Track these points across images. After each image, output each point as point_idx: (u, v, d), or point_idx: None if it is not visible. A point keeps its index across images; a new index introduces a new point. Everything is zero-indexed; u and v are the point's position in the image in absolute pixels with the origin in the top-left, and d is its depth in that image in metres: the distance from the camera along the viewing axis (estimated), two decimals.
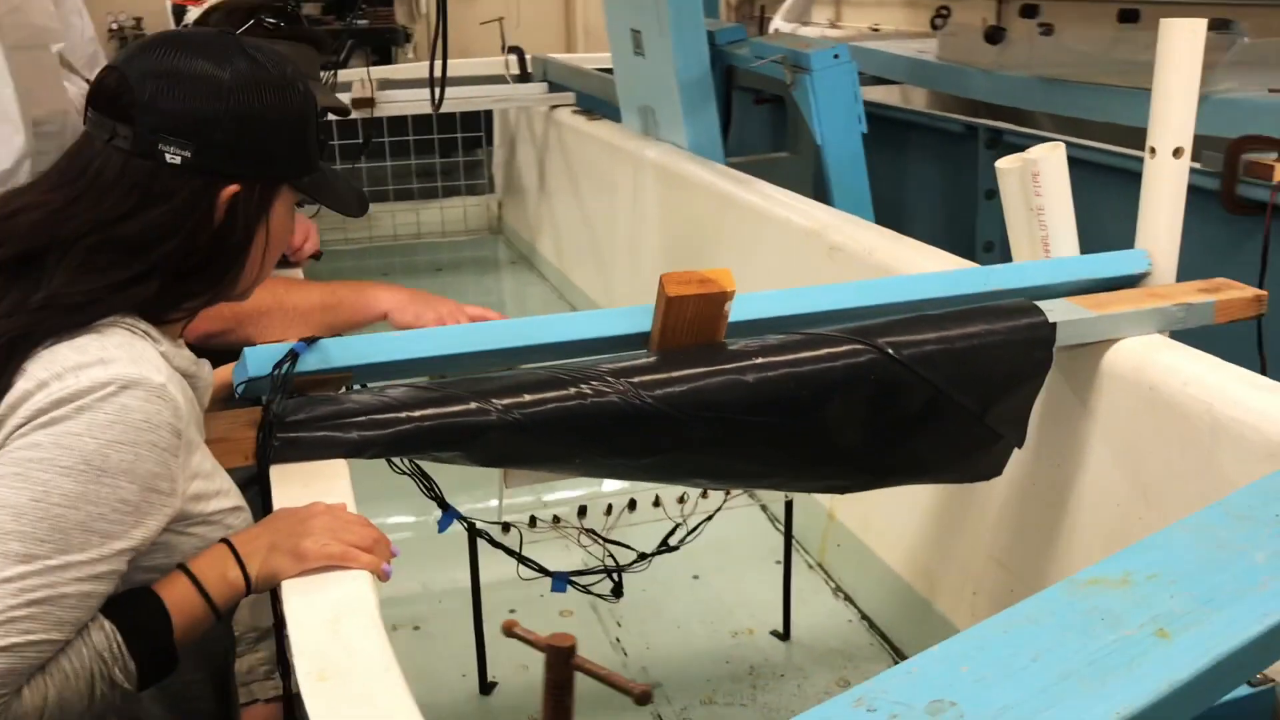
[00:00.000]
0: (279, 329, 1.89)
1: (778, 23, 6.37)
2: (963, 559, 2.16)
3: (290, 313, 1.93)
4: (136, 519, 1.11)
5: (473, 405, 1.48)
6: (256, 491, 1.41)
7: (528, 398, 1.50)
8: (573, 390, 1.52)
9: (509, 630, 1.68)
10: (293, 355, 1.53)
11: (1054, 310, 1.73)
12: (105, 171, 1.18)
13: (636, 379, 1.55)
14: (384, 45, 8.34)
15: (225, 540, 1.22)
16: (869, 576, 2.47)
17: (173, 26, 8.06)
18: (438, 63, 2.94)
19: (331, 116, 4.51)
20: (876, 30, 6.55)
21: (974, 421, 1.71)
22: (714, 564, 2.61)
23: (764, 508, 2.85)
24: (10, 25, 5.63)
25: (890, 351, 1.64)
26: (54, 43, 6.00)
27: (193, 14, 7.78)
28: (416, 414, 1.46)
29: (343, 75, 4.77)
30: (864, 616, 2.44)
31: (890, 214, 4.28)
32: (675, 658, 2.34)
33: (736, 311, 1.67)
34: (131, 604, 1.14)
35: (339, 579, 1.15)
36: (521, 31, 7.10)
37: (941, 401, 1.68)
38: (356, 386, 1.64)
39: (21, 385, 1.10)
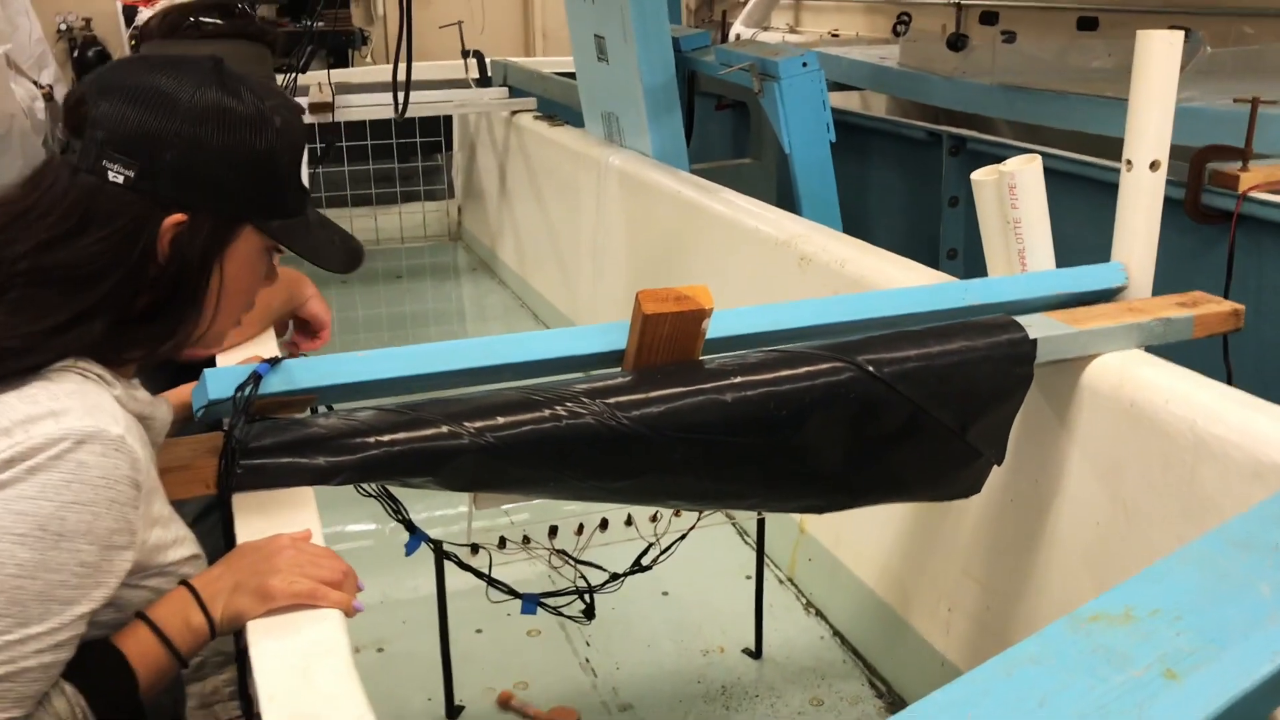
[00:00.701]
0: None
1: (738, 28, 6.35)
2: (937, 574, 2.14)
3: None
4: (96, 580, 1.05)
5: (444, 429, 1.43)
6: (217, 519, 1.35)
7: (501, 420, 1.45)
8: (547, 412, 1.47)
9: (505, 703, 1.62)
10: (255, 377, 1.47)
11: (1033, 326, 1.71)
12: (54, 188, 1.11)
13: (612, 400, 1.50)
14: (341, 48, 8.22)
15: (185, 583, 1.15)
16: (841, 591, 2.44)
17: (123, 27, 7.90)
18: (401, 68, 2.86)
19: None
20: (836, 36, 6.55)
21: (954, 439, 1.69)
22: (683, 580, 2.57)
23: (733, 521, 2.81)
24: None
25: (870, 369, 1.61)
26: (0, 44, 5.83)
27: (143, 15, 7.63)
28: (385, 438, 1.41)
29: (300, 79, 4.69)
30: (836, 633, 2.41)
31: (854, 221, 4.26)
32: (646, 678, 2.30)
33: (714, 328, 1.63)
34: (93, 663, 1.07)
35: (308, 619, 1.10)
36: (480, 35, 7.04)
37: (922, 419, 1.65)
38: (322, 409, 1.59)
39: None
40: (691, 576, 2.60)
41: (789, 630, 2.44)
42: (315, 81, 4.74)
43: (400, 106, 3.01)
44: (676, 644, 2.40)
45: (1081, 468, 1.76)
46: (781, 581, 2.61)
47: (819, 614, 2.49)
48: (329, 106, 4.45)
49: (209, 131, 1.13)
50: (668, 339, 1.58)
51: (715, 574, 2.62)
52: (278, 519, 1.30)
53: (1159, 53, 1.76)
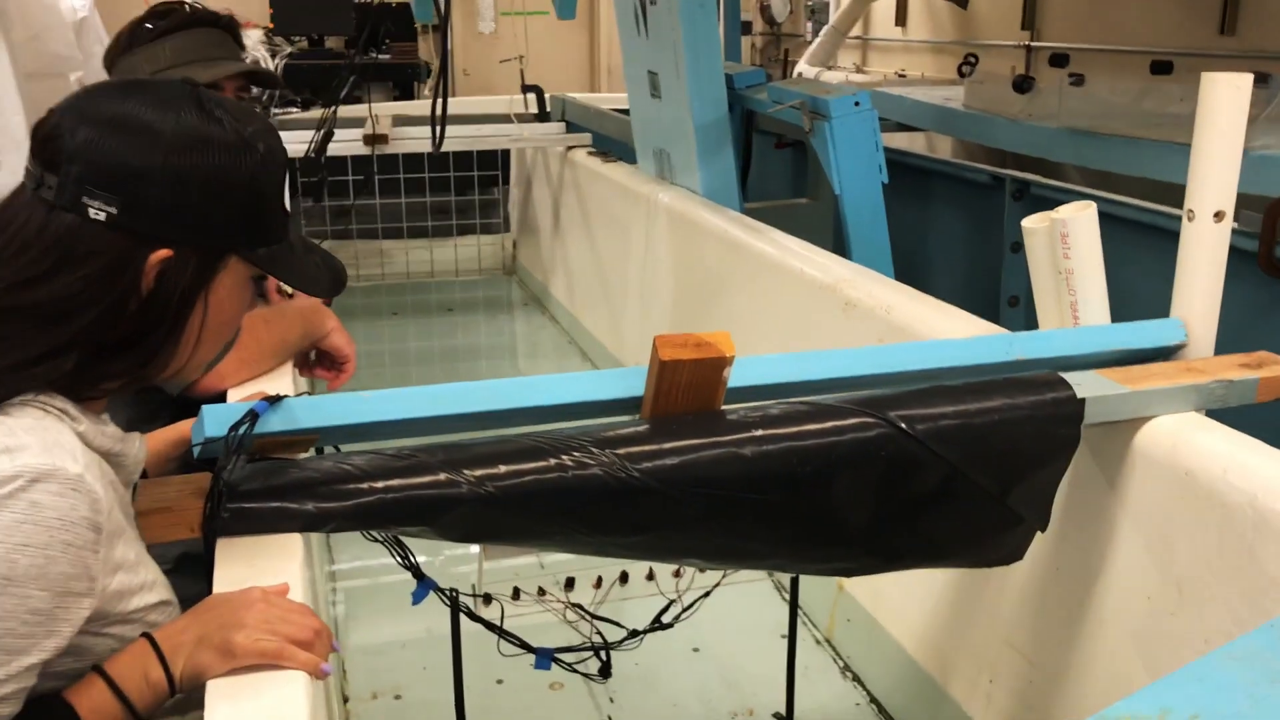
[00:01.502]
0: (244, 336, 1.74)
1: (801, 67, 6.28)
2: (979, 643, 2.01)
3: (256, 320, 1.80)
4: (49, 628, 0.99)
5: (442, 476, 1.36)
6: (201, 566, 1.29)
7: (503, 469, 1.38)
8: (553, 461, 1.39)
9: None
10: (252, 415, 1.41)
11: (1082, 384, 1.60)
12: (28, 225, 1.05)
13: (623, 450, 1.42)
14: (406, 80, 8.30)
15: (147, 635, 1.07)
16: (879, 655, 2.32)
17: None
18: (439, 102, 2.83)
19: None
20: (903, 76, 6.45)
21: (993, 503, 1.57)
22: (716, 636, 2.47)
23: (770, 576, 2.70)
24: (28, 53, 5.58)
25: (903, 425, 1.50)
26: (73, 71, 5.95)
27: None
28: (380, 485, 1.34)
29: (360, 111, 4.70)
30: (873, 700, 2.29)
31: (912, 265, 4.16)
32: None
33: (737, 376, 1.54)
34: (41, 719, 1.00)
35: (271, 681, 1.02)
36: (545, 70, 7.06)
37: (958, 481, 1.54)
38: (329, 449, 1.53)
39: None
40: (724, 633, 2.50)
41: (823, 695, 2.32)
42: (372, 113, 4.76)
43: (437, 141, 2.97)
44: (704, 705, 2.30)
45: (1132, 539, 1.64)
46: (819, 642, 2.50)
47: (856, 679, 2.37)
48: (384, 139, 4.45)
49: (192, 163, 1.08)
50: (686, 387, 1.50)
51: (749, 631, 2.51)
52: (259, 567, 1.23)
53: (1225, 97, 1.65)
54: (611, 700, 2.30)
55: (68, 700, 1.03)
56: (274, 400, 1.45)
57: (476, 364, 4.94)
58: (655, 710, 2.27)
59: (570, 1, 4.69)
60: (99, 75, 6.70)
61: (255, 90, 2.20)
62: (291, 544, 1.28)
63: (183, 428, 1.51)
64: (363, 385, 4.73)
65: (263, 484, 1.32)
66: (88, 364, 1.07)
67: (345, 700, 2.34)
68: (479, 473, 1.37)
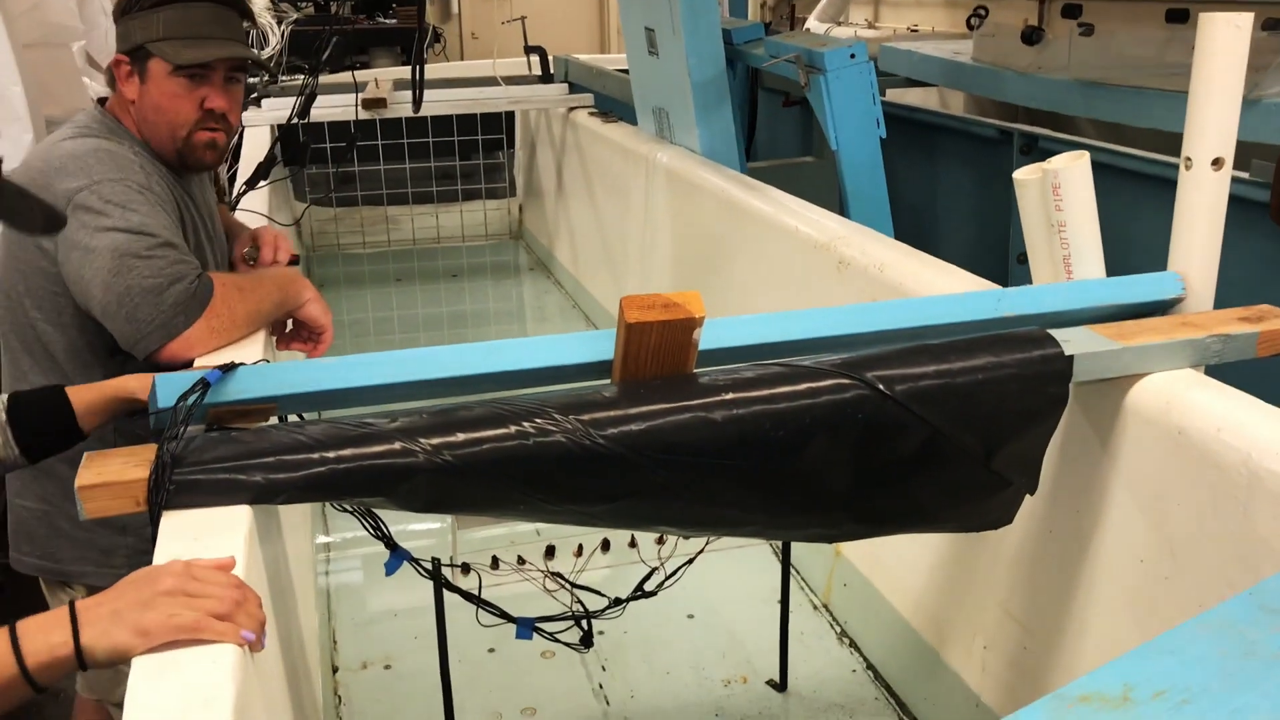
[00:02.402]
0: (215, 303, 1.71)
1: (811, 23, 6.16)
2: (974, 609, 1.96)
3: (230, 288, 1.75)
4: None
5: (397, 445, 1.31)
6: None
7: (460, 437, 1.33)
8: (513, 429, 1.34)
9: None
10: (203, 384, 1.37)
11: (1072, 340, 1.53)
12: None
13: (587, 416, 1.37)
14: (412, 45, 8.22)
15: (72, 602, 1.03)
16: (876, 621, 2.27)
17: None
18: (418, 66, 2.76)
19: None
20: (915, 31, 6.31)
21: (979, 466, 1.52)
22: (710, 602, 2.43)
23: (768, 541, 2.65)
24: (27, 23, 5.53)
25: (881, 387, 1.44)
26: (74, 40, 5.89)
27: None
28: (331, 455, 1.29)
29: (361, 75, 4.63)
30: (869, 666, 2.24)
31: (920, 222, 4.07)
32: (661, 709, 2.16)
33: (710, 338, 1.48)
34: None
35: (191, 657, 0.98)
36: (554, 31, 6.96)
37: (941, 443, 1.48)
38: (293, 419, 1.48)
39: None
40: (719, 599, 2.46)
41: (819, 661, 2.28)
42: (372, 77, 4.69)
43: (416, 104, 2.89)
44: (697, 672, 2.26)
45: (1125, 500, 1.58)
46: (816, 608, 2.45)
47: (852, 644, 2.32)
48: (382, 103, 4.39)
49: None
50: (655, 350, 1.44)
51: (745, 597, 2.47)
52: (207, 543, 1.19)
53: (1223, 37, 1.57)
54: (604, 668, 2.26)
55: None
56: (227, 369, 1.41)
57: (484, 329, 4.89)
58: (648, 678, 2.24)
59: None
60: (103, 44, 6.66)
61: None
62: (237, 518, 1.23)
63: (121, 383, 1.46)
64: (369, 352, 4.67)
65: (210, 455, 1.28)
66: None
67: (335, 670, 2.32)
68: (435, 441, 1.32)
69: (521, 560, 1.83)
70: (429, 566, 1.79)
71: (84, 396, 1.39)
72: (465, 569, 1.82)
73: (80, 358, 1.74)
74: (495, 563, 1.83)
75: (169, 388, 1.37)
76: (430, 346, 1.50)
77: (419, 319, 5.07)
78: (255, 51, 2.00)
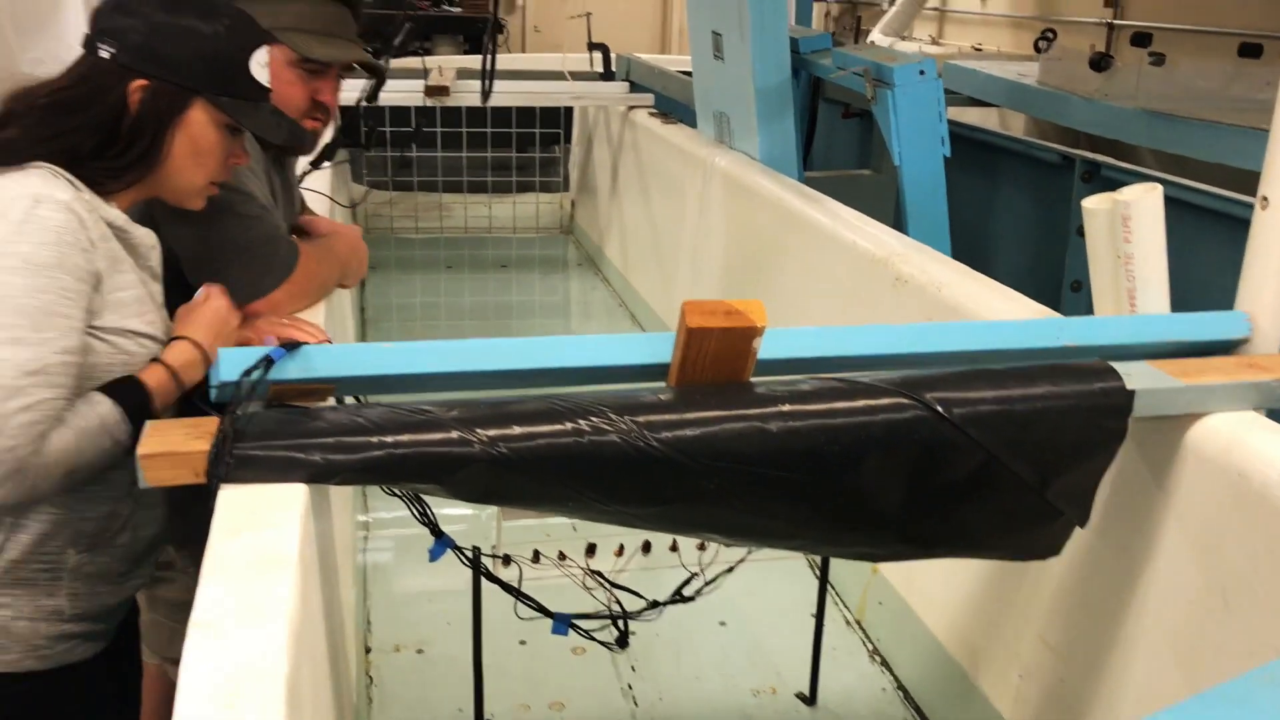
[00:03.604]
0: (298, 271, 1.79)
1: (875, 36, 6.14)
2: (1011, 636, 1.95)
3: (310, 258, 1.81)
4: (78, 300, 1.33)
5: (454, 434, 1.32)
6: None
7: (516, 430, 1.33)
8: (569, 425, 1.35)
9: None
10: (267, 361, 1.38)
11: (1133, 375, 1.52)
12: (72, 64, 1.45)
13: (642, 418, 1.37)
14: (477, 34, 8.26)
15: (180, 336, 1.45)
16: (909, 641, 2.26)
17: None
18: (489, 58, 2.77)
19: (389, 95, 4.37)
20: (979, 50, 6.28)
21: (1032, 495, 1.50)
22: (744, 610, 2.43)
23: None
24: None
25: (939, 409, 1.44)
26: None
27: None
28: (389, 439, 1.30)
29: (428, 63, 4.66)
30: (899, 686, 2.23)
31: (975, 242, 4.05)
32: (688, 713, 2.16)
33: (769, 348, 1.48)
34: (126, 390, 1.38)
35: (244, 632, 0.99)
36: (617, 28, 6.96)
37: (995, 470, 1.47)
38: (350, 400, 1.50)
39: None
40: (753, 608, 2.45)
41: (849, 678, 2.27)
42: (435, 65, 4.72)
43: (485, 95, 2.91)
44: (726, 679, 2.26)
45: (1177, 539, 1.56)
46: (849, 623, 2.44)
47: (884, 663, 2.31)
48: (445, 90, 4.41)
49: (165, 18, 1.45)
50: (714, 356, 1.44)
51: (778, 608, 2.46)
52: (263, 517, 1.20)
53: None
54: (633, 669, 2.26)
55: (141, 380, 1.39)
56: (291, 347, 1.42)
57: (529, 321, 4.92)
58: (676, 682, 2.24)
59: None
60: None
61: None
62: (295, 495, 1.25)
63: (182, 363, 1.51)
64: (416, 336, 4.75)
65: (271, 431, 1.29)
66: (90, 155, 1.42)
67: (368, 651, 2.34)
68: (492, 432, 1.32)
69: (562, 556, 1.83)
70: (470, 554, 1.81)
71: (156, 379, 1.42)
72: (506, 560, 1.82)
73: None
74: (536, 556, 1.83)
75: (232, 361, 1.39)
76: (489, 338, 1.51)
77: (465, 307, 5.09)
78: (377, 60, 2.04)
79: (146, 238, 1.50)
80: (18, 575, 1.44)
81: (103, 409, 1.34)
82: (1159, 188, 1.71)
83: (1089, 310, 3.57)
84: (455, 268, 5.48)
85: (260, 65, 1.55)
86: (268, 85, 1.56)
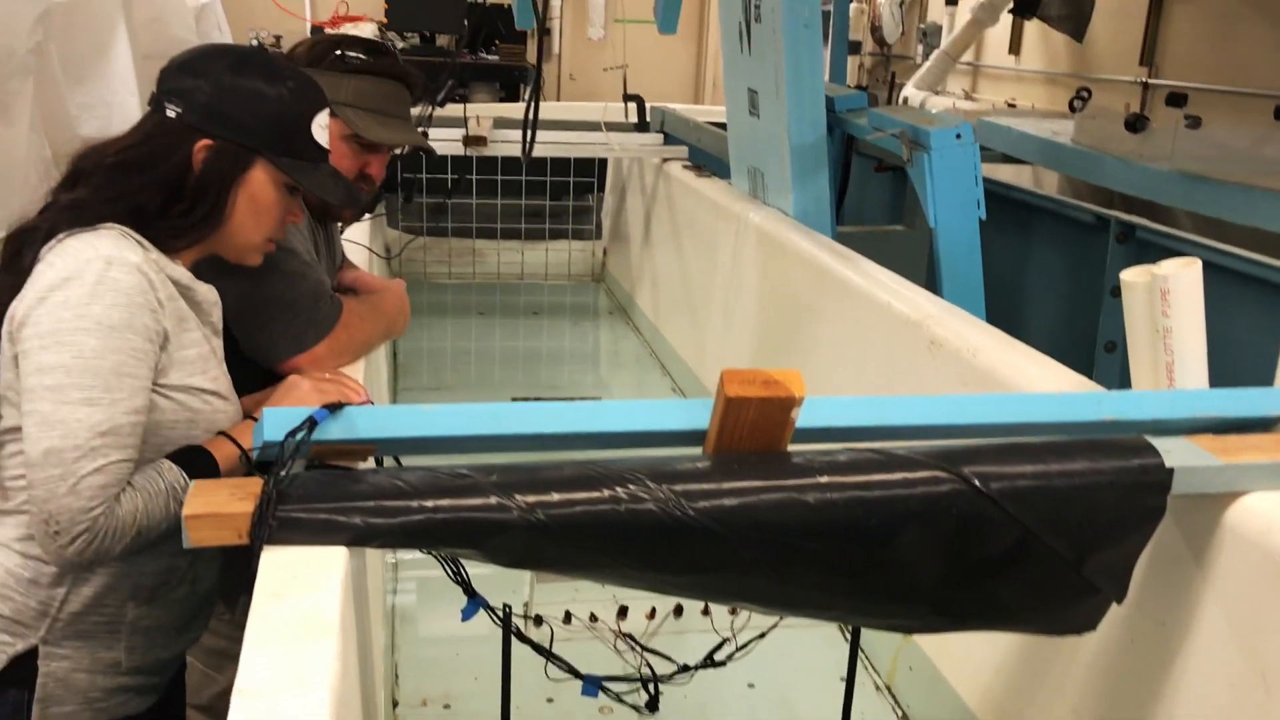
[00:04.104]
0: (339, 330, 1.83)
1: (908, 91, 6.17)
2: (1044, 709, 1.93)
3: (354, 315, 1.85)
4: (146, 360, 1.39)
5: (493, 500, 1.33)
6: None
7: (555, 497, 1.34)
8: (606, 493, 1.35)
9: None
10: (311, 422, 1.40)
11: (1172, 451, 1.51)
12: (139, 122, 1.53)
13: (680, 487, 1.38)
14: (513, 82, 8.37)
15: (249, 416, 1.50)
16: (940, 709, 2.23)
17: None
18: (531, 111, 2.81)
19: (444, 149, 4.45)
20: (1013, 106, 6.30)
21: (1069, 571, 1.49)
22: (772, 673, 2.41)
23: None
24: (149, 34, 5.73)
25: (976, 483, 1.43)
26: None
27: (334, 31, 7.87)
28: (429, 504, 1.31)
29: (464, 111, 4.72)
30: None
31: (1007, 300, 4.05)
32: None
33: (806, 416, 1.48)
34: (195, 461, 1.44)
35: (286, 694, 1.00)
36: (650, 78, 7.04)
37: (1032, 545, 1.46)
38: (388, 460, 1.52)
39: (40, 268, 1.39)
40: (781, 671, 2.44)
41: None
42: (474, 115, 4.79)
43: (527, 150, 2.96)
44: None
45: (1216, 620, 1.54)
46: (879, 689, 2.42)
47: None
48: (482, 141, 4.47)
49: (233, 80, 1.50)
50: (752, 425, 1.45)
51: (807, 672, 2.45)
52: (304, 580, 1.21)
53: None
54: None
55: (208, 449, 1.45)
56: (334, 408, 1.44)
57: (558, 369, 4.94)
58: None
59: (672, 17, 4.66)
60: None
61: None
62: (336, 558, 1.26)
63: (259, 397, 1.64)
64: (446, 382, 4.76)
65: (313, 493, 1.31)
66: (156, 214, 1.46)
67: (395, 705, 2.34)
68: (531, 499, 1.33)
69: (594, 617, 1.83)
70: (502, 614, 1.81)
71: (223, 455, 1.48)
72: (538, 620, 1.83)
73: None
74: (568, 617, 1.84)
75: (276, 422, 1.40)
76: (520, 389, 1.53)
77: (496, 352, 5.13)
78: (429, 143, 2.08)
79: (209, 294, 1.55)
80: (78, 628, 1.46)
81: (171, 476, 1.40)
82: (1198, 262, 1.71)
83: (1123, 371, 3.54)
84: (487, 313, 5.52)
85: (321, 127, 1.59)
86: (328, 147, 1.60)
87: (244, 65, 1.53)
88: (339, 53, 1.91)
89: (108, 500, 1.32)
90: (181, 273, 1.49)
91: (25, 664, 1.44)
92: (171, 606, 1.52)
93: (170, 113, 1.49)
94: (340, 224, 2.16)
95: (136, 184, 1.46)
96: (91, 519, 1.30)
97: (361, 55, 1.92)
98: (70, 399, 1.32)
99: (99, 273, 1.36)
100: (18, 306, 1.38)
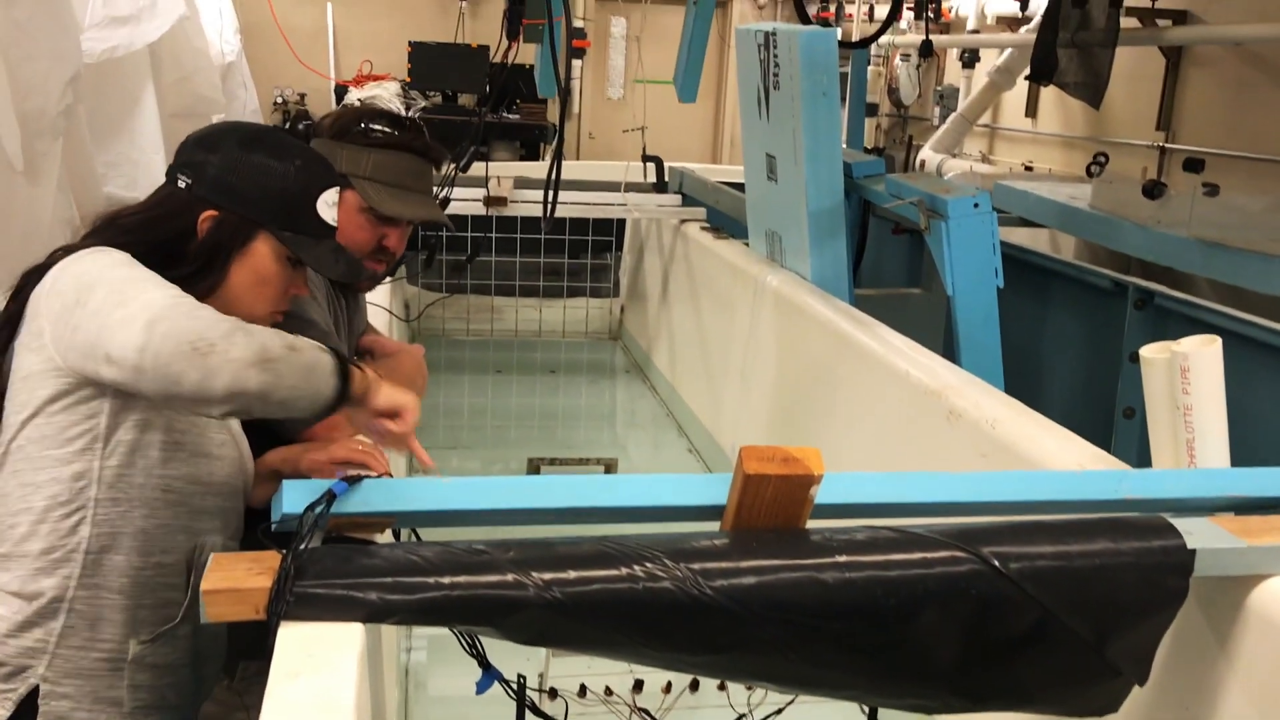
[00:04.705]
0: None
1: (925, 153, 6.20)
2: None
3: None
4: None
5: (509, 577, 1.32)
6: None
7: (572, 574, 1.34)
8: (624, 571, 1.35)
9: None
10: (330, 496, 1.40)
11: (1194, 533, 1.50)
12: (156, 191, 1.59)
13: (698, 565, 1.37)
14: (533, 141, 8.45)
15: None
16: None
17: (333, 104, 8.33)
18: (554, 174, 2.84)
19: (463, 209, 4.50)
20: (1029, 169, 6.33)
21: (1089, 652, 1.48)
22: None
23: None
24: (176, 94, 5.80)
25: (995, 563, 1.42)
26: (215, 113, 6.18)
27: (353, 95, 7.97)
28: (446, 580, 1.31)
29: (482, 171, 4.77)
30: None
31: (1025, 365, 4.04)
32: None
33: (825, 492, 1.48)
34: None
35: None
36: (668, 137, 7.11)
37: (1052, 626, 1.45)
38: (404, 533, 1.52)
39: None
40: None
41: None
42: (494, 175, 4.84)
43: (548, 219, 2.99)
44: None
45: (1239, 704, 1.52)
46: None
47: None
48: (503, 202, 4.51)
49: (240, 155, 1.55)
50: (770, 502, 1.44)
51: None
52: (320, 658, 1.21)
53: None
54: None
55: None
56: (353, 480, 1.44)
57: (574, 429, 4.94)
58: None
59: (692, 86, 4.71)
60: (240, 115, 6.94)
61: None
62: (352, 635, 1.26)
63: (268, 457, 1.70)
64: (463, 440, 4.73)
65: (330, 568, 1.30)
66: (157, 269, 1.46)
67: None
68: (547, 576, 1.33)
69: (609, 691, 1.82)
70: (516, 686, 1.80)
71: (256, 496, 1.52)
72: (553, 693, 1.82)
73: None
74: (583, 690, 1.83)
75: (296, 494, 1.41)
76: (543, 461, 1.53)
77: (512, 410, 5.13)
78: (447, 218, 2.11)
79: None
80: (79, 664, 1.45)
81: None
82: (1218, 340, 1.71)
83: (1142, 437, 3.51)
84: (504, 370, 5.54)
85: (328, 204, 1.61)
86: (333, 224, 1.63)
87: (254, 141, 1.57)
88: (362, 126, 1.94)
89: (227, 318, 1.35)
90: None
91: (29, 705, 1.44)
92: (177, 644, 1.52)
93: (181, 184, 1.54)
94: (360, 290, 2.17)
95: (138, 240, 1.51)
96: (227, 322, 1.34)
97: (385, 129, 1.95)
98: (131, 295, 1.35)
99: (92, 251, 1.45)
100: (36, 303, 1.45)
